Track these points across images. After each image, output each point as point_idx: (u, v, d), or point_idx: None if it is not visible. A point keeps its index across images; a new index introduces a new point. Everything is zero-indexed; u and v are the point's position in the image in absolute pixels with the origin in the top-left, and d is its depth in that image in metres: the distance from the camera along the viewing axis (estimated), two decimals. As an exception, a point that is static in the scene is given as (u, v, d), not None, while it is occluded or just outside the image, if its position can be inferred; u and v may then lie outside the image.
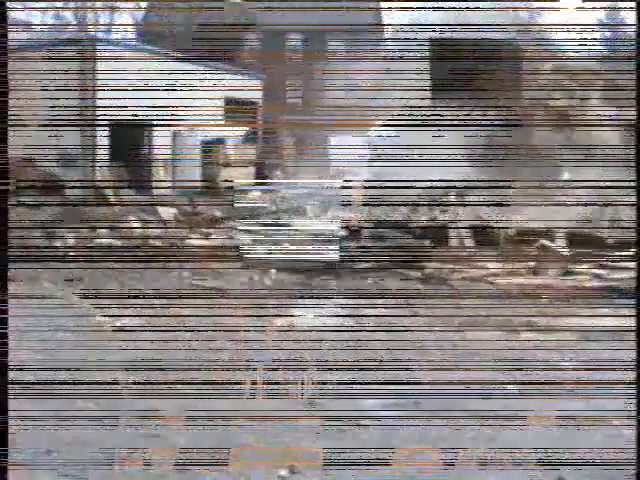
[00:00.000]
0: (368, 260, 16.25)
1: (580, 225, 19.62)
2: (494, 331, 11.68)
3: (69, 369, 8.50)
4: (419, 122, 23.53)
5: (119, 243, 18.21)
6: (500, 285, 14.76)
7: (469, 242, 18.11)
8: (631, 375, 9.31)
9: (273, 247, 17.22)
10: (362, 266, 15.89)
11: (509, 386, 8.90)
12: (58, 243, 18.16)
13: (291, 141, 53.00)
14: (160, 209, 23.14)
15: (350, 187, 25.32)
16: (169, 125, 34.29)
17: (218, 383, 8.46)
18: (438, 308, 13.19)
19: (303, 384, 8.67)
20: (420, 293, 14.32)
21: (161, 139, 33.96)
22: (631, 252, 16.43)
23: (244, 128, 37.81)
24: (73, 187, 24.30)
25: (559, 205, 21.07)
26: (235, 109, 40.49)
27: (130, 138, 28.39)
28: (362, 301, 13.71)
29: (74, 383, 8.01)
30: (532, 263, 15.65)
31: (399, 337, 11.17)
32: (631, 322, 11.97)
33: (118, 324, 11.69)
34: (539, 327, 11.93)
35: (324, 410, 7.98)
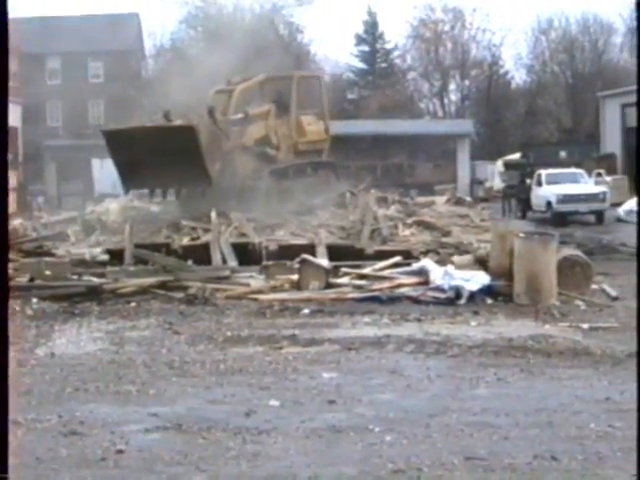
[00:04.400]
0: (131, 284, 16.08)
1: (341, 238, 20.05)
2: (257, 346, 11.76)
3: None
4: None
5: None
6: (263, 301, 14.88)
7: (232, 260, 18.17)
8: (402, 382, 9.56)
9: (35, 275, 16.77)
10: (125, 289, 15.71)
11: (271, 401, 8.97)
12: None
13: (53, 165, 51.94)
14: None
15: (114, 209, 25.07)
16: None
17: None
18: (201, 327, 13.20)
19: (61, 417, 8.48)
20: (183, 313, 14.30)
21: None
22: (390, 262, 16.93)
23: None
24: None
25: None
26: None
27: None
28: (125, 323, 13.58)
29: None
30: (295, 277, 15.84)
31: (161, 358, 11.11)
32: (389, 331, 12.35)
33: None
34: (301, 340, 12.08)
35: (85, 437, 7.81)
